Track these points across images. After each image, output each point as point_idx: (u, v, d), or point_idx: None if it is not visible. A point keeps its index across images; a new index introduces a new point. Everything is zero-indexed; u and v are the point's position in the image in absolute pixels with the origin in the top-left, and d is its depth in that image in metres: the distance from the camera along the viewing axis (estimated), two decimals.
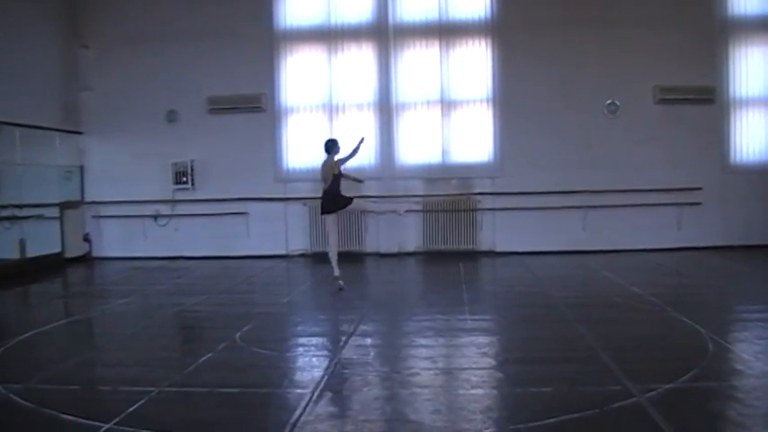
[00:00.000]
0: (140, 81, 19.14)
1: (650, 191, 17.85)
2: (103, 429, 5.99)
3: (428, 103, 18.57)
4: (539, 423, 5.92)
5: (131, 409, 6.50)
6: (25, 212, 17.27)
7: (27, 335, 10.02)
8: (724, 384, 6.86)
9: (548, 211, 18.12)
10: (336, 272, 13.45)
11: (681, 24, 17.88)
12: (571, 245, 18.00)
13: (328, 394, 6.87)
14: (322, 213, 13.62)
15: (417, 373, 7.56)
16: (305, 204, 18.73)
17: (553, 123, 18.14)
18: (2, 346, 9.30)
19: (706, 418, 6.11)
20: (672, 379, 6.91)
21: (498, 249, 18.40)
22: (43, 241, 17.82)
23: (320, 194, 13.56)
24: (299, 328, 10.68)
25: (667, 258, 16.77)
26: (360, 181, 14.96)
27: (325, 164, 13.45)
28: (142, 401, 6.72)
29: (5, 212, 16.77)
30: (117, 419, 6.19)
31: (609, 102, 18.22)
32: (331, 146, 13.53)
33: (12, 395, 7.03)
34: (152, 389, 7.10)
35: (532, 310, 11.20)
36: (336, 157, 13.39)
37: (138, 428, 6.00)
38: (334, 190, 13.31)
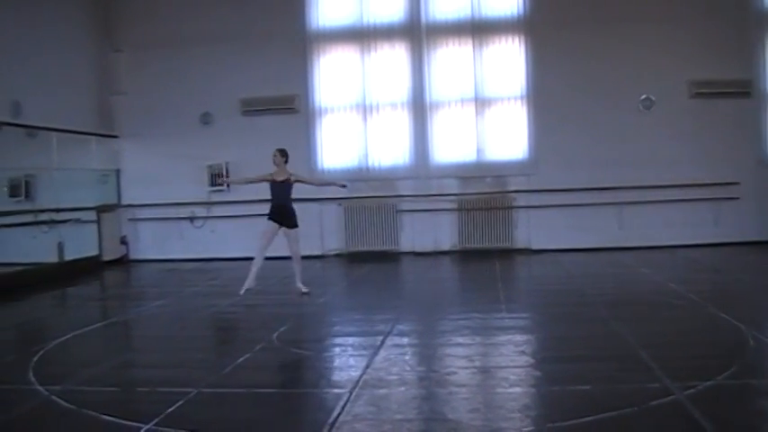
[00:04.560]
0: (174, 84, 19.27)
1: (686, 186, 17.68)
2: (143, 430, 6.02)
3: (462, 101, 18.53)
4: (577, 421, 5.87)
5: (170, 409, 6.52)
6: (63, 216, 17.42)
7: (66, 337, 10.10)
8: (765, 381, 6.80)
9: (583, 208, 18.03)
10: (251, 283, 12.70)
11: (715, 16, 17.69)
12: (607, 242, 17.88)
13: (366, 394, 6.85)
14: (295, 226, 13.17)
15: (455, 372, 7.52)
16: (340, 204, 18.77)
17: (587, 120, 18.01)
18: (42, 348, 9.37)
19: (747, 415, 6.03)
20: (712, 376, 6.82)
21: (534, 247, 18.33)
22: (81, 244, 18.00)
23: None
24: (336, 329, 10.69)
25: (704, 254, 16.63)
26: (343, 186, 14.47)
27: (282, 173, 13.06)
28: (180, 402, 6.74)
29: (44, 216, 16.92)
30: (156, 420, 6.21)
31: (643, 97, 18.07)
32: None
33: (53, 396, 7.08)
34: (190, 390, 7.12)
35: (569, 308, 11.13)
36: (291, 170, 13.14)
37: (177, 429, 6.02)
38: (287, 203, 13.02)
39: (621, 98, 18.03)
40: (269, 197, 13.00)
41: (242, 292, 12.50)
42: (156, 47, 19.29)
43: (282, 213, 12.89)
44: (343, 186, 14.41)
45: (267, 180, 13.08)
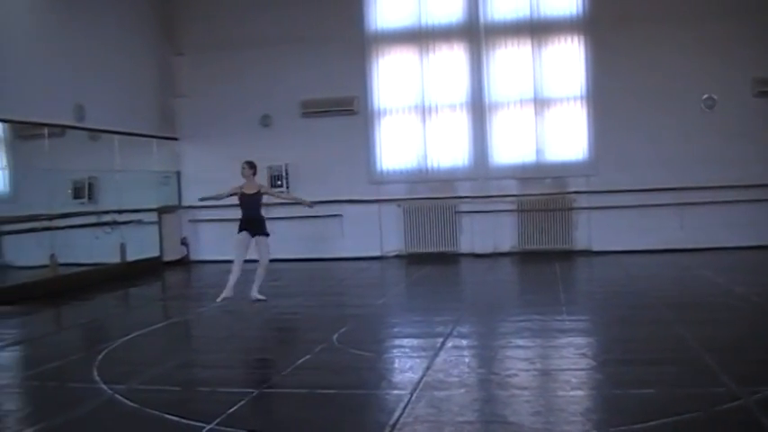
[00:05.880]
0: (234, 86, 19.44)
1: (750, 186, 17.34)
2: (206, 430, 6.06)
3: (521, 101, 18.41)
4: (640, 425, 5.77)
5: (232, 410, 6.56)
6: (125, 218, 17.67)
7: (129, 336, 10.23)
8: None
9: (644, 208, 17.80)
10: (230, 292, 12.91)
11: None
12: (668, 243, 17.62)
13: (426, 396, 6.82)
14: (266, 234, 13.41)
15: (515, 375, 7.47)
16: (399, 206, 18.79)
17: (648, 120, 17.78)
18: (106, 347, 9.50)
19: None
20: None
21: (594, 249, 18.15)
22: (142, 245, 18.27)
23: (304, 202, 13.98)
24: (396, 330, 10.68)
25: None
26: (310, 205, 14.57)
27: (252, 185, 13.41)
28: (242, 402, 6.78)
29: (106, 218, 17.16)
30: (218, 420, 6.25)
31: (706, 96, 17.79)
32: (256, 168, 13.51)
33: (116, 395, 7.17)
34: (251, 390, 7.18)
35: (631, 310, 10.99)
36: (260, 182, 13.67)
37: (239, 429, 6.05)
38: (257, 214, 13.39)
39: (683, 97, 17.75)
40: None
41: (219, 300, 12.75)
42: (216, 50, 19.49)
43: (253, 224, 13.26)
44: (310, 206, 14.57)
45: (237, 193, 13.47)
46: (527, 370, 7.71)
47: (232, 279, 12.92)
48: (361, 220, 18.97)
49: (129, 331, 10.55)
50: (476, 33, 18.59)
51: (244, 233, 13.20)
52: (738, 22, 17.38)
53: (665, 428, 5.75)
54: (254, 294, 13.03)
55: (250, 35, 19.26)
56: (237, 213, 19.10)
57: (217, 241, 19.58)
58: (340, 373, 7.96)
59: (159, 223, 19.02)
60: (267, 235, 13.42)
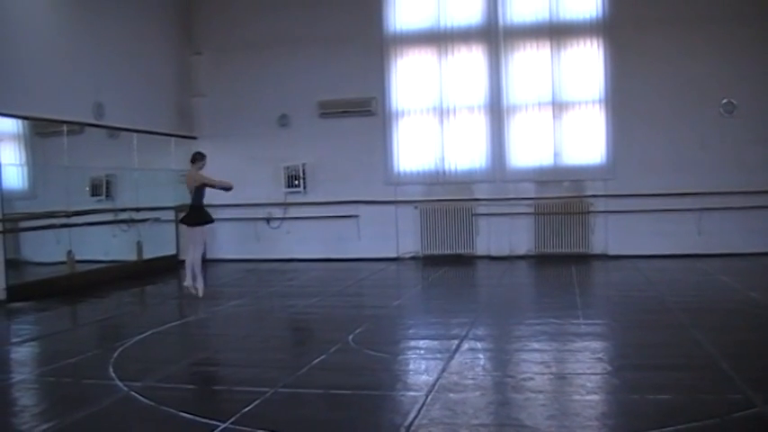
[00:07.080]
0: (252, 86, 19.49)
1: None
2: (220, 428, 6.08)
3: (539, 104, 18.33)
4: (656, 431, 5.76)
5: (246, 409, 6.58)
6: (142, 215, 17.72)
7: (145, 334, 10.26)
8: None
9: (662, 213, 17.69)
10: (188, 281, 13.66)
11: None
12: (686, 248, 17.52)
13: (441, 398, 6.82)
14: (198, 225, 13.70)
15: (531, 378, 7.45)
16: (416, 207, 18.78)
17: (667, 124, 17.71)
18: (122, 344, 9.54)
19: None
20: None
21: (611, 253, 18.07)
22: (159, 243, 18.32)
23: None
24: (411, 331, 10.68)
25: None
26: (227, 188, 14.17)
27: (189, 175, 13.75)
28: (257, 402, 6.79)
29: (124, 216, 17.22)
30: (233, 419, 6.27)
31: (725, 101, 17.69)
32: (198, 158, 13.75)
33: (132, 393, 7.21)
34: (266, 389, 7.18)
35: (647, 314, 10.95)
36: (201, 172, 13.67)
37: (253, 428, 6.07)
38: (197, 204, 13.63)
39: (702, 102, 17.61)
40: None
41: (186, 289, 13.61)
42: (234, 49, 19.58)
43: (189, 214, 13.68)
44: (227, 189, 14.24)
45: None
46: (543, 373, 7.70)
47: (188, 270, 13.67)
48: (378, 222, 18.96)
49: (144, 329, 10.59)
50: (494, 35, 18.54)
51: (182, 226, 14.01)
52: (759, 26, 17.27)
53: None
54: (188, 282, 13.68)
55: (268, 35, 19.31)
56: (253, 213, 19.38)
57: (234, 241, 19.68)
58: (355, 373, 7.97)
59: (176, 221, 19.03)
60: (199, 224, 13.68)
